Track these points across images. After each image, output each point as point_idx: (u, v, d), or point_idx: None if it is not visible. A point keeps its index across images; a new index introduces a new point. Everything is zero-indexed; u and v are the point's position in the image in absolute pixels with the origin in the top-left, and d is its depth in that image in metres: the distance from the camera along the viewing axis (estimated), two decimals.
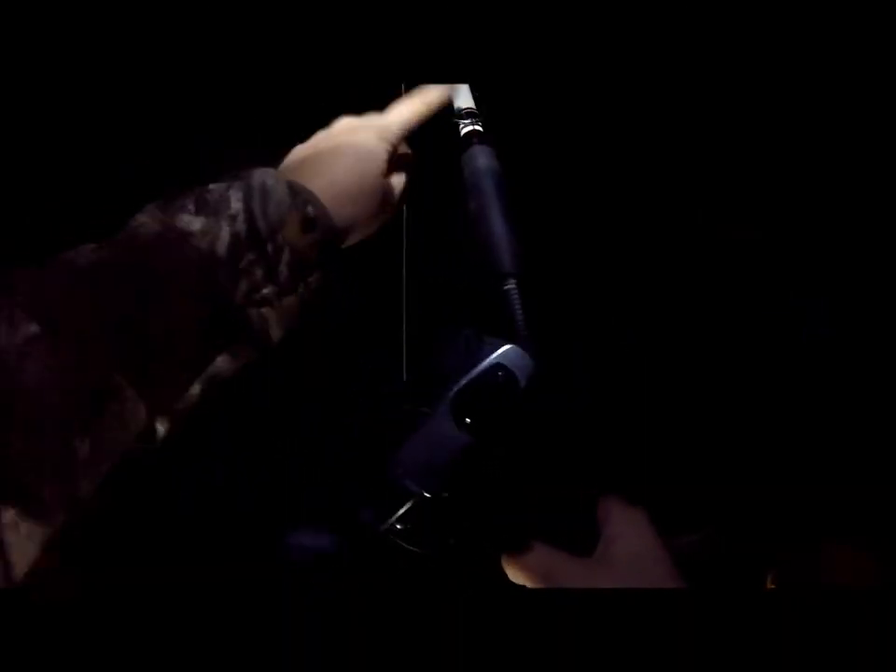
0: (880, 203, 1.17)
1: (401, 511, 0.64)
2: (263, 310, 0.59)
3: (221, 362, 0.58)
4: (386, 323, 0.95)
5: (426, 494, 0.63)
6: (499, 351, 0.66)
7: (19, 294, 0.51)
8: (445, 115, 0.76)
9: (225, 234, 0.57)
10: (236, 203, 0.58)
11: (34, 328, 0.49)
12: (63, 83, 1.01)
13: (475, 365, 0.64)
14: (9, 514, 0.47)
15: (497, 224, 0.68)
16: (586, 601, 0.64)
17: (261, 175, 0.60)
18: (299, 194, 0.61)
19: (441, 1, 0.76)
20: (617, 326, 1.23)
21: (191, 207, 0.57)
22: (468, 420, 0.63)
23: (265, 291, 0.58)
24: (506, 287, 0.67)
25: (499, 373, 0.65)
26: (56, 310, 0.51)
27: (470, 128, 0.73)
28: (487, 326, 0.75)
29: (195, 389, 0.56)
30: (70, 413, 0.50)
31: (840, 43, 1.07)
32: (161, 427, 0.56)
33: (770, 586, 1.13)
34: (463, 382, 0.64)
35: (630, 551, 0.66)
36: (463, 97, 0.75)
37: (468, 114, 0.74)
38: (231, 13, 0.92)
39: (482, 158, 0.71)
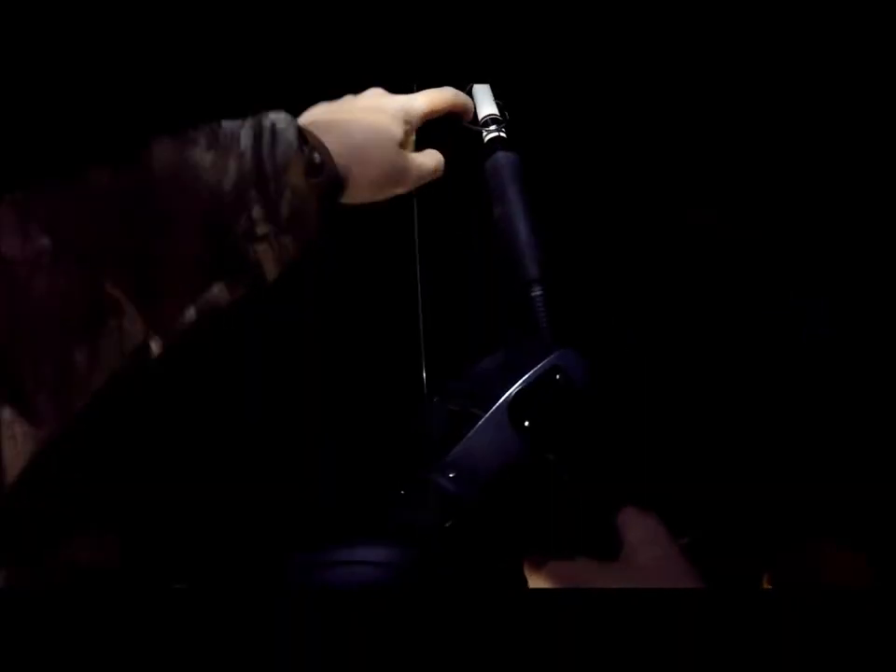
0: (880, 203, 1.17)
1: (456, 519, 0.62)
2: (261, 247, 0.61)
3: (218, 292, 0.60)
4: (408, 323, 0.95)
5: (478, 500, 0.62)
6: (556, 353, 0.64)
7: (34, 209, 0.55)
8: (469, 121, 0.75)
9: (232, 171, 0.59)
10: (245, 141, 0.61)
11: (45, 241, 0.53)
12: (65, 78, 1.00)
13: (524, 367, 0.63)
14: (6, 412, 0.51)
15: (523, 231, 0.68)
16: (589, 601, 0.64)
17: (273, 117, 0.63)
18: (307, 140, 0.63)
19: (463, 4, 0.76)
20: (617, 326, 1.23)
21: (203, 142, 0.60)
22: (526, 424, 0.61)
23: (264, 229, 0.61)
24: (532, 294, 0.67)
25: (557, 376, 0.63)
26: (67, 228, 0.55)
27: (495, 134, 0.73)
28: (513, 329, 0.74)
29: (191, 313, 0.59)
30: (70, 322, 0.54)
31: (841, 41, 1.07)
32: (154, 347, 0.59)
33: (766, 587, 1.13)
34: (520, 384, 0.63)
35: (653, 557, 0.67)
36: (486, 104, 0.74)
37: (491, 121, 0.73)
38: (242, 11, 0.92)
39: (507, 164, 0.71)
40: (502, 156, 0.72)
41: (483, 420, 0.63)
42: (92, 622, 0.80)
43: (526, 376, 0.64)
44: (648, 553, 0.67)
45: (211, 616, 0.74)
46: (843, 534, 1.14)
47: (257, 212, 0.61)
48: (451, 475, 0.63)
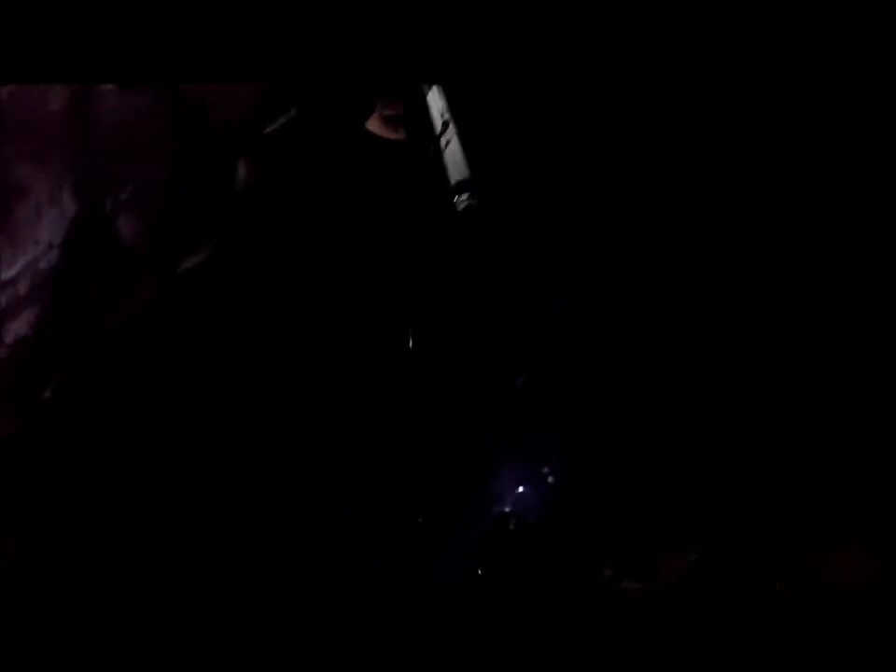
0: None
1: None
2: None
3: None
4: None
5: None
6: (512, 497, 0.71)
7: None
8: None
9: None
10: None
11: None
12: None
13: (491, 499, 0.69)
14: None
15: (563, 291, 0.66)
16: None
17: None
18: None
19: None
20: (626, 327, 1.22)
21: None
22: (479, 571, 0.69)
23: None
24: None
25: (511, 523, 0.71)
26: None
27: (467, 204, 0.71)
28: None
29: None
30: None
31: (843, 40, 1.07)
32: None
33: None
34: (476, 531, 0.70)
35: None
36: (458, 167, 0.73)
37: (463, 186, 0.72)
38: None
39: (549, 216, 0.68)
40: (546, 205, 0.70)
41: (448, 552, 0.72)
42: (95, 621, 0.79)
43: (482, 522, 0.73)
44: None
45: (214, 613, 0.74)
46: (856, 536, 1.13)
47: None
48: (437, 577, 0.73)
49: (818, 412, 1.25)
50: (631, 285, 1.25)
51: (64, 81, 1.18)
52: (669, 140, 1.24)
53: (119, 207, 1.15)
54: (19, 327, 1.17)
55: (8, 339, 1.16)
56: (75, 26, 1.07)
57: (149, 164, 1.17)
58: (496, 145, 1.06)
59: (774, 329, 1.28)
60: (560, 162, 1.20)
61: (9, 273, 1.16)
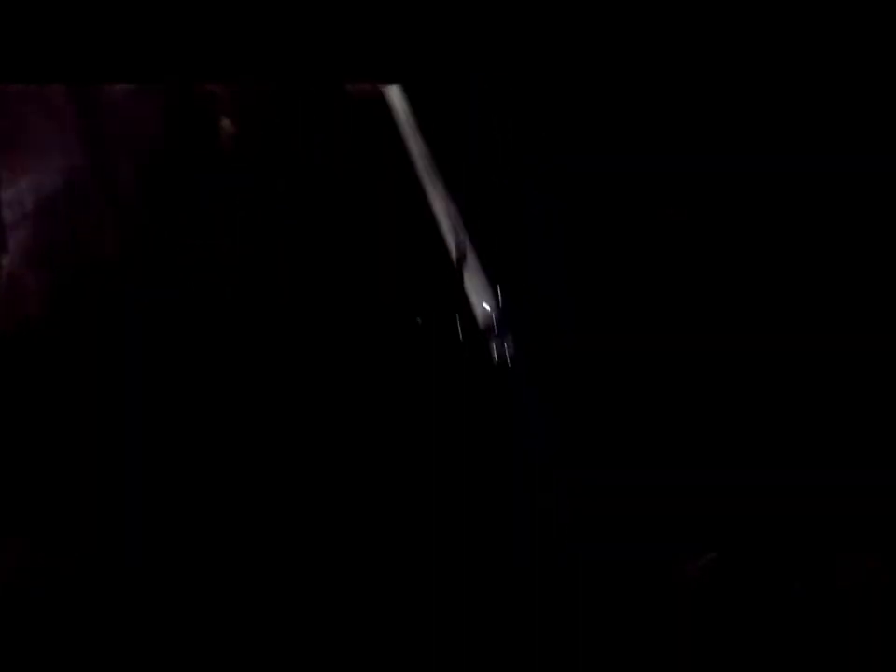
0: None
1: None
2: None
3: None
4: None
5: None
6: (512, 497, 0.71)
7: None
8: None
9: None
10: None
11: None
12: None
13: None
14: None
15: (563, 291, 0.67)
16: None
17: None
18: None
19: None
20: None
21: None
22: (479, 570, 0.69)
23: None
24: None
25: (512, 524, 0.71)
26: None
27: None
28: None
29: None
30: None
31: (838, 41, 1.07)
32: None
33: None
34: (476, 530, 0.70)
35: None
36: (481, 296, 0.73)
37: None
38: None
39: (551, 218, 0.69)
40: (546, 205, 0.70)
41: None
42: (95, 621, 0.78)
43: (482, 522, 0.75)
44: None
45: None
46: (863, 543, 1.13)
47: None
48: None
49: (819, 411, 1.25)
50: (631, 285, 1.25)
51: (62, 82, 1.20)
52: (669, 140, 1.25)
53: (121, 161, 1.19)
54: (23, 237, 1.24)
55: (12, 251, 1.24)
56: (68, 25, 1.09)
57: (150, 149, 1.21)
58: (496, 145, 1.06)
59: (774, 329, 1.28)
60: (560, 162, 1.21)
61: (16, 190, 1.23)
